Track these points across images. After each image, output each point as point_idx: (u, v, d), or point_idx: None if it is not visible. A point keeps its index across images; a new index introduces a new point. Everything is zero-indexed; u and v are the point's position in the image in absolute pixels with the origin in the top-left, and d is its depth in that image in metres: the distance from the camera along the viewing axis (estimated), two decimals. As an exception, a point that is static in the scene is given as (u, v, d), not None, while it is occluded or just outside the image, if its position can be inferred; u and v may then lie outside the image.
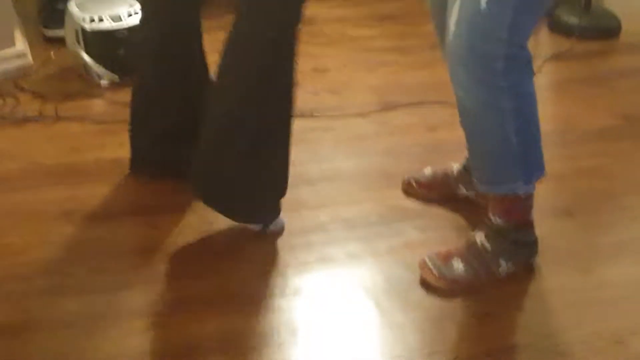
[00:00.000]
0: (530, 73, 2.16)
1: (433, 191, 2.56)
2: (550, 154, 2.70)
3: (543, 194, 2.33)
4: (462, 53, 2.08)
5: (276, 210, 2.38)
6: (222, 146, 2.28)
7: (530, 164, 2.20)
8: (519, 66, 2.11)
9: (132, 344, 2.00)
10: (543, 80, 2.67)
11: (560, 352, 2.03)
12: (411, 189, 2.58)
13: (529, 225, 2.24)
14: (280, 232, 2.37)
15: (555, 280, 2.27)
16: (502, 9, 2.01)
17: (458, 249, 2.24)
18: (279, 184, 2.34)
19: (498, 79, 2.08)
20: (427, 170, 2.59)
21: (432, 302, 2.17)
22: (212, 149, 2.29)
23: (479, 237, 2.24)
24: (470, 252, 2.23)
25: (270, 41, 2.16)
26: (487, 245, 2.22)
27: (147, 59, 2.51)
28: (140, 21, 2.61)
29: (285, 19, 2.16)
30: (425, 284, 2.21)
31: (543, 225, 2.28)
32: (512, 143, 2.14)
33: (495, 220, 2.23)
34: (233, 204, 2.34)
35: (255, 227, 2.37)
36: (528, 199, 2.22)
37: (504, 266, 2.22)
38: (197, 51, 2.50)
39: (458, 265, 2.21)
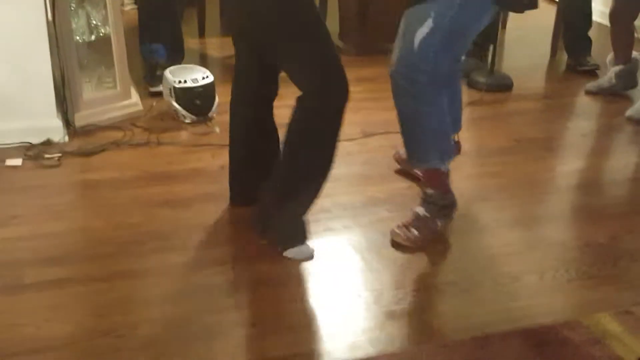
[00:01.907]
0: (443, 91, 2.14)
1: (402, 164, 2.65)
2: (470, 163, 2.75)
3: (469, 187, 2.36)
4: (399, 78, 2.11)
5: (294, 239, 2.15)
6: (271, 192, 2.13)
7: (442, 149, 2.19)
8: (436, 87, 2.10)
9: (212, 280, 2.03)
10: (463, 119, 2.68)
11: (477, 286, 2.06)
12: (396, 156, 2.68)
13: (449, 192, 2.25)
14: (304, 259, 2.13)
15: (473, 240, 2.28)
16: (427, 51, 2.03)
17: (411, 221, 2.25)
18: (299, 224, 2.15)
19: (420, 94, 2.10)
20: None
21: (397, 255, 2.19)
22: (268, 193, 2.14)
23: (420, 209, 2.25)
24: (420, 221, 2.24)
25: (319, 118, 2.03)
26: (427, 213, 2.23)
27: (237, 129, 2.34)
28: (232, 100, 2.33)
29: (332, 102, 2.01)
30: (395, 244, 2.22)
31: (470, 206, 2.30)
32: (430, 135, 2.16)
33: (427, 191, 2.24)
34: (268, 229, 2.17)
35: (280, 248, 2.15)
36: (445, 175, 2.22)
37: (439, 224, 2.24)
38: (271, 122, 2.31)
39: (414, 231, 2.22)
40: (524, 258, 2.20)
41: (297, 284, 2.05)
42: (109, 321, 1.85)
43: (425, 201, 2.25)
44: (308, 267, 2.12)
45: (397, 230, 2.24)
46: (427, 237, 2.23)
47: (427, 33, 2.01)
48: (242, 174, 2.38)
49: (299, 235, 2.15)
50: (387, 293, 2.00)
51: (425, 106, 2.12)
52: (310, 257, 2.14)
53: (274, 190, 2.13)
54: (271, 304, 1.96)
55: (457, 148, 2.51)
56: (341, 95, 2.00)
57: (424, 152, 2.20)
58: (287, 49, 1.98)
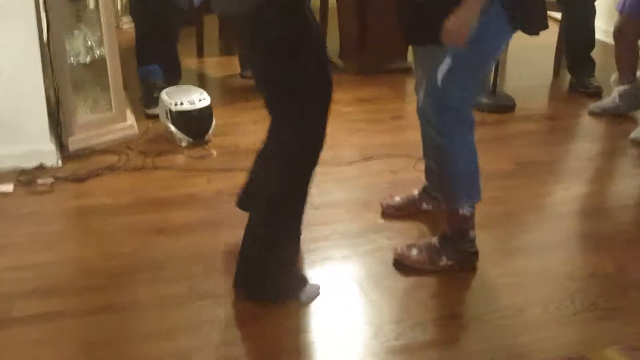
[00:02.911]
0: (472, 129, 2.11)
1: (402, 211, 2.52)
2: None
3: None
4: (428, 116, 2.08)
5: (290, 289, 2.04)
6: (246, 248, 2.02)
7: (471, 190, 2.15)
8: (465, 125, 2.08)
9: (208, 313, 1.97)
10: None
11: (480, 319, 1.99)
12: (388, 211, 2.53)
13: (467, 238, 2.18)
14: (314, 298, 2.04)
15: (476, 272, 2.22)
16: (452, 88, 2.00)
17: (419, 244, 2.22)
18: (286, 273, 2.05)
19: (452, 132, 2.06)
20: (397, 198, 2.55)
21: (398, 286, 2.13)
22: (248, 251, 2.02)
23: (435, 239, 2.22)
24: (425, 246, 2.20)
25: (284, 172, 1.93)
26: (438, 245, 2.19)
27: None
28: None
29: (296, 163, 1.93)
30: (394, 268, 2.20)
31: (468, 235, 2.24)
32: (461, 176, 2.12)
33: (447, 229, 2.19)
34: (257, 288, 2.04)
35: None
36: (468, 219, 2.16)
37: (444, 261, 2.17)
38: None
39: (414, 251, 2.19)
40: (527, 289, 2.14)
41: (293, 317, 1.98)
42: (98, 358, 1.79)
43: (443, 237, 2.20)
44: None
45: (398, 247, 2.22)
46: (424, 264, 2.18)
47: (447, 70, 1.98)
48: None
49: (299, 280, 2.07)
50: (387, 327, 1.94)
51: (455, 146, 2.08)
52: (318, 293, 2.06)
53: (255, 245, 2.00)
54: (267, 339, 1.89)
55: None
56: (314, 158, 1.94)
57: (451, 191, 2.16)
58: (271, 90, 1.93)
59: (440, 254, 2.18)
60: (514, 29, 2.01)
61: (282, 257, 2.02)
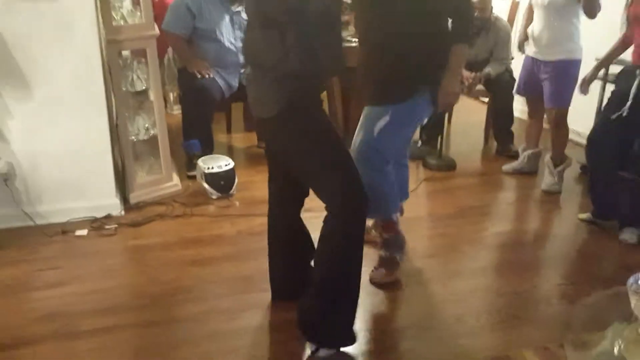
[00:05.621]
0: (390, 165, 2.04)
1: None
2: (424, 226, 2.65)
3: (423, 246, 2.24)
4: (360, 159, 1.98)
5: (331, 342, 1.75)
6: (312, 302, 1.75)
7: (393, 204, 2.12)
8: (386, 162, 2.03)
9: (227, 326, 1.91)
10: (420, 192, 2.57)
11: (430, 328, 1.93)
12: None
13: (399, 233, 2.18)
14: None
15: (426, 290, 2.17)
16: (384, 137, 1.98)
17: (378, 263, 2.21)
18: (346, 329, 1.76)
19: (375, 167, 2.01)
20: None
21: (361, 302, 2.06)
22: (307, 300, 1.77)
23: (382, 252, 2.19)
24: (383, 261, 2.19)
25: (342, 242, 1.67)
26: (387, 252, 2.17)
27: (272, 231, 1.97)
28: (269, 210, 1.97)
29: (352, 227, 1.67)
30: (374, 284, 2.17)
31: (423, 261, 2.19)
32: (384, 194, 2.05)
33: (385, 236, 2.17)
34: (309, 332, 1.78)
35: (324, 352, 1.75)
36: (396, 223, 2.15)
37: (397, 257, 2.18)
38: (301, 228, 1.97)
39: (382, 270, 2.19)
40: (464, 303, 2.08)
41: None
42: (143, 361, 1.74)
43: (385, 244, 2.18)
44: (287, 315, 1.93)
45: (372, 274, 2.19)
46: (394, 270, 2.18)
47: (384, 125, 1.98)
48: (281, 275, 2.02)
49: (337, 339, 1.76)
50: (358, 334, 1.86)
51: (379, 175, 2.03)
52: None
53: (312, 297, 1.75)
54: (271, 345, 1.83)
55: (400, 210, 2.42)
56: (359, 213, 1.68)
57: (380, 207, 2.09)
58: (307, 174, 1.72)
59: (390, 255, 2.17)
60: (434, 106, 2.02)
61: (336, 305, 1.72)
